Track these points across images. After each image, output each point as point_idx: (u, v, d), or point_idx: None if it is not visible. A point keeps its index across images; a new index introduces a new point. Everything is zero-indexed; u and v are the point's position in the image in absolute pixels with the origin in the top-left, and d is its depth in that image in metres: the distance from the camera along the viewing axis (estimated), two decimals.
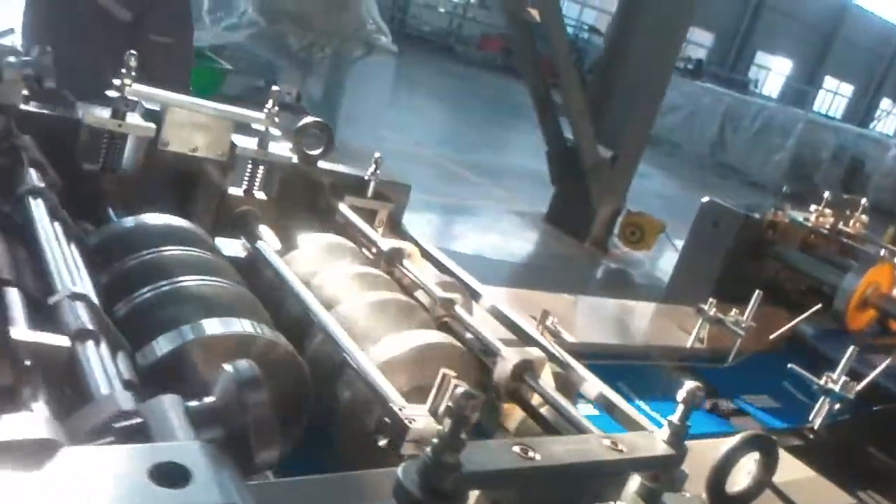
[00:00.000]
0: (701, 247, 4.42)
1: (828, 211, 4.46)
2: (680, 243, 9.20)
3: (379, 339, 1.83)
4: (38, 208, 1.66)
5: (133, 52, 2.31)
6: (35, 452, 0.69)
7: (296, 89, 10.62)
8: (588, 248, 8.76)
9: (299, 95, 10.76)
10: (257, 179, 2.68)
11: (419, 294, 2.26)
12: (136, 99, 2.37)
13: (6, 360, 0.77)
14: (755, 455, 1.31)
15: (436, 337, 1.86)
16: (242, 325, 1.55)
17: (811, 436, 2.85)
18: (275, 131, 2.63)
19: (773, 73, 41.44)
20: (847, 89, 44.39)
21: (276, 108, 2.59)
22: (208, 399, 0.86)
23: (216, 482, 0.71)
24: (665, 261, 9.20)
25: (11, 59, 2.03)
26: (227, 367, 0.87)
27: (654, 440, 1.22)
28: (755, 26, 37.52)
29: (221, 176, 2.63)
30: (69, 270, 1.45)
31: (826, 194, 4.53)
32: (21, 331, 1.03)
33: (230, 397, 0.84)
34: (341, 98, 11.12)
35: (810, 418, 2.87)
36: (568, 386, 2.01)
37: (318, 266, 2.19)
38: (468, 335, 2.03)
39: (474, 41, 24.59)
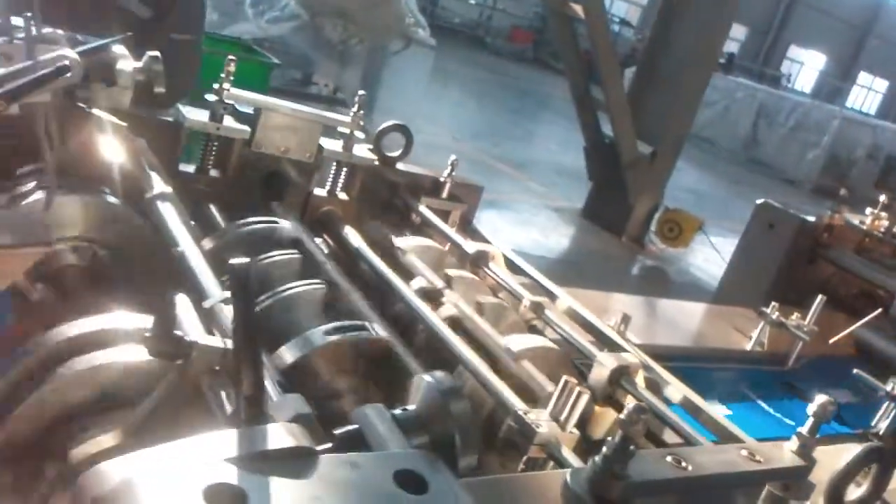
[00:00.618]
0: (755, 249, 4.43)
1: (883, 214, 4.46)
2: (716, 240, 9.21)
3: (480, 340, 1.90)
4: (168, 212, 1.74)
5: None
6: (293, 459, 0.77)
7: (332, 82, 10.72)
8: (625, 244, 8.78)
9: (336, 88, 10.85)
10: (340, 180, 2.76)
11: (504, 296, 2.32)
12: (232, 102, 2.45)
13: (252, 370, 0.84)
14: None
15: (536, 341, 1.92)
16: (361, 328, 1.62)
17: (877, 441, 2.89)
18: (359, 134, 2.70)
19: (807, 67, 40.85)
20: (881, 85, 43.65)
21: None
22: (410, 407, 0.94)
23: (450, 489, 0.78)
24: (700, 257, 9.19)
25: (125, 64, 2.11)
26: (427, 377, 0.94)
27: (783, 451, 1.27)
28: (789, 20, 37.01)
29: (307, 177, 2.71)
30: (208, 274, 1.54)
31: (882, 198, 4.53)
32: (204, 337, 1.11)
33: (434, 406, 0.91)
34: (378, 90, 11.21)
35: (873, 423, 2.90)
36: (653, 389, 2.07)
37: (411, 267, 2.26)
38: (557, 338, 2.10)
39: (504, 33, 24.51)
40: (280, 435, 0.77)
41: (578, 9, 7.86)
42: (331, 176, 2.74)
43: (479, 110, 16.44)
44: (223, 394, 1.09)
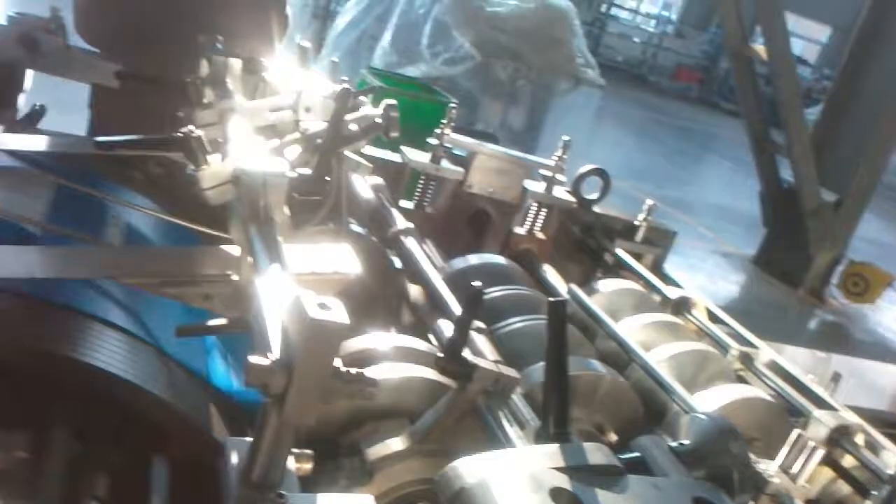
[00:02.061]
0: None
1: None
2: None
3: (689, 385, 1.94)
4: (413, 246, 1.95)
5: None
6: (605, 475, 0.88)
7: (497, 120, 11.01)
8: (801, 296, 8.28)
9: (487, 127, 11.13)
10: (539, 220, 2.91)
11: (706, 343, 2.34)
12: (450, 146, 2.68)
13: (560, 393, 0.97)
14: None
15: (750, 392, 1.94)
16: (595, 366, 1.73)
17: None
18: (560, 177, 2.84)
19: None
20: None
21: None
22: (685, 441, 1.02)
23: None
24: (889, 316, 8.49)
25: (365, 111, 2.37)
26: (702, 416, 1.02)
27: None
28: None
29: (509, 216, 2.88)
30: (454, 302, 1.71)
31: None
32: (483, 361, 1.26)
33: (713, 443, 0.99)
34: (542, 129, 11.38)
35: None
36: (874, 453, 2.00)
37: (613, 307, 2.34)
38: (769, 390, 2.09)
39: (668, 71, 24.02)
40: (594, 453, 0.89)
41: (760, 50, 7.64)
42: (530, 216, 2.89)
43: (640, 150, 16.17)
44: (498, 412, 1.23)
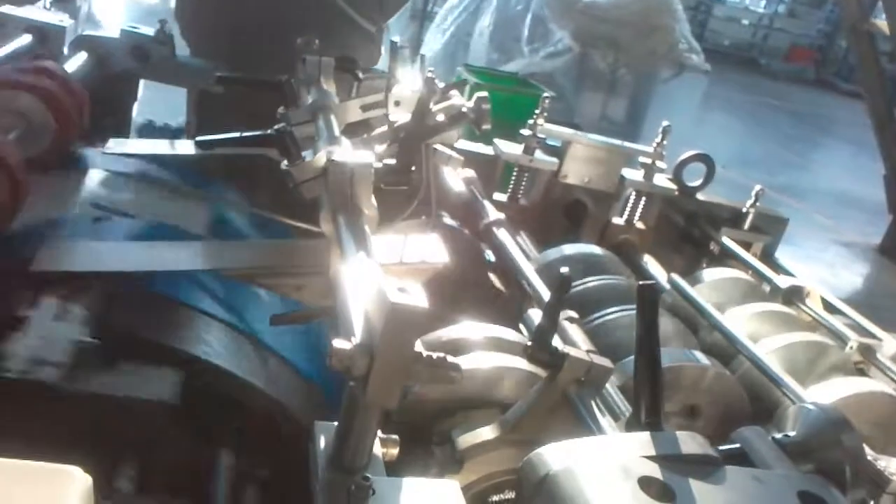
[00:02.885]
0: None
1: None
2: None
3: (801, 378, 1.82)
4: (505, 238, 1.93)
5: None
6: (701, 466, 0.83)
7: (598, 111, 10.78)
8: None
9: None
10: (638, 210, 2.82)
11: (822, 334, 2.19)
12: (544, 136, 2.64)
13: (652, 382, 0.94)
14: None
15: (871, 385, 1.80)
16: (697, 357, 1.66)
17: None
18: (661, 164, 2.74)
19: None
20: None
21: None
22: (790, 433, 0.96)
23: None
24: None
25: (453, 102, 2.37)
26: (811, 406, 0.95)
27: None
28: None
29: (606, 206, 2.81)
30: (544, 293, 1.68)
31: None
32: (574, 350, 1.23)
33: (823, 435, 0.92)
34: (645, 118, 11.06)
35: None
36: None
37: (720, 298, 2.23)
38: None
39: (780, 53, 22.75)
40: (688, 442, 0.85)
41: (882, 25, 7.10)
42: (629, 205, 2.81)
43: (751, 136, 15.41)
44: (590, 402, 1.20)
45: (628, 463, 0.79)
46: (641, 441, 0.83)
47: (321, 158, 1.34)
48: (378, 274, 0.91)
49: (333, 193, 1.20)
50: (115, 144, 1.72)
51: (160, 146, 1.70)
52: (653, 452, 0.81)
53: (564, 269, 1.06)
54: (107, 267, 1.20)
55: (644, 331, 0.92)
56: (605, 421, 1.16)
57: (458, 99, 1.78)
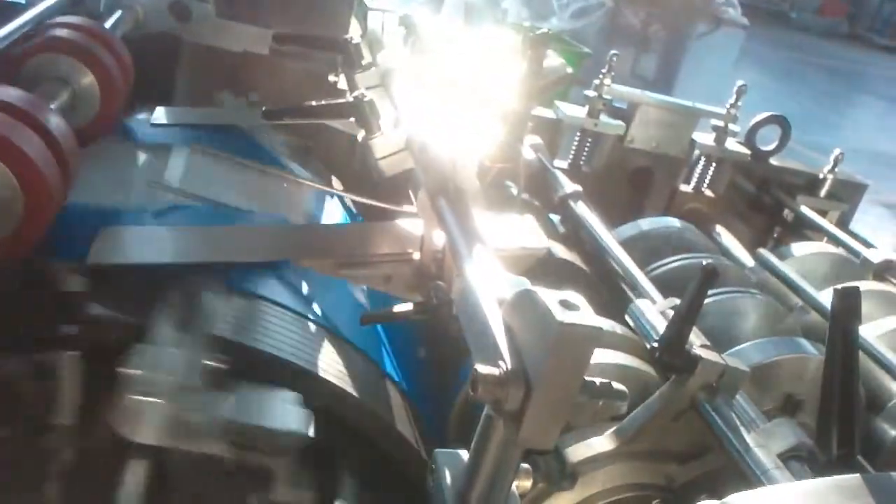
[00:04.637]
0: None
1: None
2: None
3: None
4: (584, 211, 1.76)
5: None
6: None
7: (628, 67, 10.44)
8: None
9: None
10: (708, 176, 2.63)
11: None
12: (610, 98, 2.44)
13: (847, 408, 0.79)
14: None
15: None
16: (802, 346, 1.50)
17: None
18: (734, 127, 2.54)
19: None
20: None
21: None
22: None
23: None
24: None
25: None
26: None
27: None
28: None
29: (674, 172, 2.62)
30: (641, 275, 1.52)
31: None
32: (706, 352, 1.07)
33: None
34: (676, 76, 10.70)
35: None
36: None
37: (809, 274, 2.06)
38: None
39: (813, 6, 21.98)
40: None
41: None
42: (698, 171, 2.62)
43: (783, 93, 14.95)
44: (727, 410, 1.04)
45: None
46: (848, 487, 0.67)
47: (403, 131, 1.17)
48: (525, 283, 0.75)
49: (429, 173, 1.03)
50: (162, 114, 1.56)
51: (215, 116, 1.54)
52: (868, 501, 0.66)
53: (708, 262, 0.89)
54: (173, 258, 1.05)
55: (839, 342, 0.76)
56: (747, 435, 1.00)
57: (555, 58, 1.59)
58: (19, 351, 0.90)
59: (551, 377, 0.64)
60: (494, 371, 0.67)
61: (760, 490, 0.71)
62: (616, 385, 0.69)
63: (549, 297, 0.65)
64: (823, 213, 2.66)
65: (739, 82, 2.54)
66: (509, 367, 0.67)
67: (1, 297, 0.96)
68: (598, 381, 0.69)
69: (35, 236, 1.00)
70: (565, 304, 0.65)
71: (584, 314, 0.64)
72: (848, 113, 14.76)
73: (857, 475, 0.68)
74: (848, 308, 0.78)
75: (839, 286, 0.80)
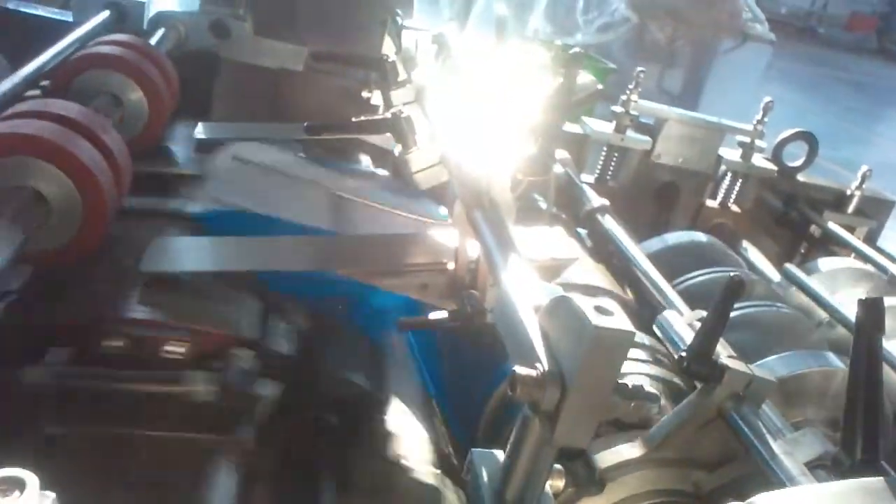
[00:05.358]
0: None
1: None
2: None
3: None
4: (612, 225, 1.80)
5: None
6: None
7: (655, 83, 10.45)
8: None
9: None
10: (734, 192, 2.65)
11: None
12: (637, 114, 2.48)
13: (870, 416, 0.81)
14: None
15: None
16: (828, 359, 1.51)
17: None
18: (760, 143, 2.56)
19: None
20: None
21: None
22: None
23: None
24: None
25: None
26: None
27: None
28: None
29: (700, 187, 2.65)
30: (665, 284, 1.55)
31: None
32: (733, 361, 1.10)
33: None
34: (702, 91, 10.69)
35: None
36: None
37: (837, 289, 2.07)
38: None
39: (841, 21, 21.82)
40: None
41: None
42: (724, 187, 2.64)
43: (810, 110, 14.83)
44: (753, 419, 1.07)
45: None
46: (871, 489, 0.70)
47: (438, 146, 1.22)
48: (559, 290, 0.79)
49: (466, 187, 1.07)
50: (204, 129, 1.62)
51: (256, 130, 1.60)
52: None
53: (736, 273, 0.92)
54: (215, 266, 1.10)
55: (863, 351, 0.79)
56: (774, 443, 1.03)
57: (585, 75, 1.64)
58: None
59: (586, 378, 0.68)
60: (532, 373, 0.71)
61: (785, 490, 0.73)
62: (648, 387, 0.73)
63: (585, 303, 0.69)
64: (851, 230, 2.66)
65: (766, 98, 2.56)
66: (546, 368, 0.71)
67: None
68: (630, 383, 0.73)
69: (93, 243, 1.06)
70: (600, 310, 0.68)
71: (618, 319, 0.68)
72: (877, 129, 14.60)
73: (881, 478, 0.71)
74: (872, 318, 0.81)
75: (863, 298, 0.82)
